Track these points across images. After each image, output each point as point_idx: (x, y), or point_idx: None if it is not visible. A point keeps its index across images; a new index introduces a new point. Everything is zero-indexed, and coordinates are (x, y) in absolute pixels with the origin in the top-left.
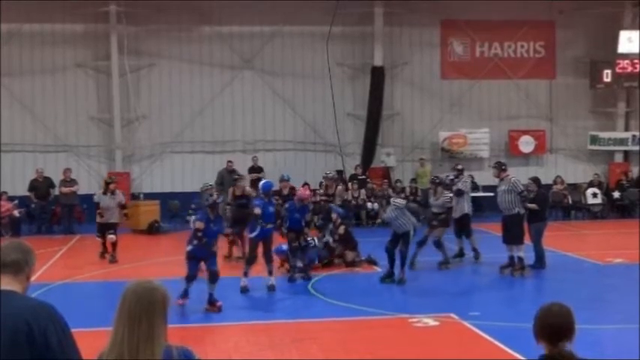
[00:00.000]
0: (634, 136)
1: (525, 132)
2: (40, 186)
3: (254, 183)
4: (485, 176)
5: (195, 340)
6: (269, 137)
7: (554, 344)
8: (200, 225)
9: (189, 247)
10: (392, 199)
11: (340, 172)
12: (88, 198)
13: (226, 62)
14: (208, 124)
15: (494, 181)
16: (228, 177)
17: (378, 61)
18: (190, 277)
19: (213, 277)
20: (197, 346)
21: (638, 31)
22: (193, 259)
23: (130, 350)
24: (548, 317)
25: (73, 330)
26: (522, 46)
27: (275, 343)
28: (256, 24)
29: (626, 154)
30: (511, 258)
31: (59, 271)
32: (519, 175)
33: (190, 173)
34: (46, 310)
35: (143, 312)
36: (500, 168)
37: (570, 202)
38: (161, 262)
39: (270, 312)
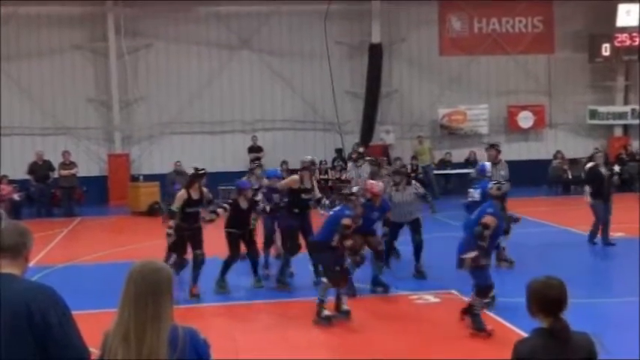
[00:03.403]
0: (633, 109)
1: (524, 107)
2: (40, 169)
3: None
4: (481, 155)
5: (193, 321)
6: (268, 117)
7: (555, 316)
8: (493, 221)
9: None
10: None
11: (340, 151)
12: (87, 180)
13: (224, 42)
14: (207, 104)
15: None
16: (176, 178)
17: (376, 39)
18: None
19: None
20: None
21: (636, 4)
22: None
23: (137, 330)
24: (548, 290)
25: (76, 312)
26: (520, 22)
27: (277, 322)
28: (253, 3)
29: (626, 127)
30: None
31: (61, 253)
32: (520, 150)
33: (190, 154)
34: (45, 293)
35: (149, 292)
36: (498, 150)
37: (570, 176)
38: (163, 244)
39: (274, 291)
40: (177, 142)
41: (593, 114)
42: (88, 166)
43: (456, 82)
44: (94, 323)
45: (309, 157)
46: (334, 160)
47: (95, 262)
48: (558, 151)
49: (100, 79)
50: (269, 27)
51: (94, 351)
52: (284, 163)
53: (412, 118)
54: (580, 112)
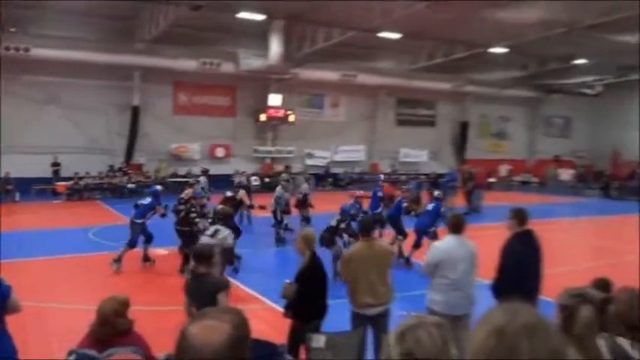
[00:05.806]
0: (277, 149)
1: (220, 145)
2: None
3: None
4: (196, 170)
5: None
6: (66, 144)
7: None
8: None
9: None
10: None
11: (112, 166)
12: None
13: (41, 99)
14: (31, 135)
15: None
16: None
17: (136, 102)
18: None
19: None
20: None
21: (278, 95)
22: None
23: None
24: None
25: None
26: (218, 99)
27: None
28: (56, 77)
29: (273, 159)
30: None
31: None
32: (218, 169)
33: (17, 166)
34: None
35: None
36: (288, 166)
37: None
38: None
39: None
40: (9, 159)
41: (256, 151)
42: None
43: (181, 130)
44: None
45: (243, 179)
46: (108, 171)
47: None
48: (237, 170)
49: None
50: (69, 90)
51: None
52: (76, 173)
53: (156, 148)
54: (249, 149)
